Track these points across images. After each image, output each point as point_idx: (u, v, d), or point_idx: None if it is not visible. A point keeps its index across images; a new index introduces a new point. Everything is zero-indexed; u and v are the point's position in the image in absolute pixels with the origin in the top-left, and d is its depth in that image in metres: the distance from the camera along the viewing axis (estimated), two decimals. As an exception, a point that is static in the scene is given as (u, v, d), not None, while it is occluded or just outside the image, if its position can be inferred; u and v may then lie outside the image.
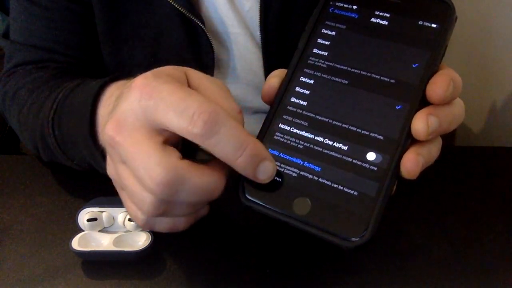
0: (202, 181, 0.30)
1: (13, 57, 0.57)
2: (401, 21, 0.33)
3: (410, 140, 0.31)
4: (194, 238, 0.43)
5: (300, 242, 0.43)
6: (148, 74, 0.30)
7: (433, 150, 0.31)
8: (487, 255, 0.43)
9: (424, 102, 0.31)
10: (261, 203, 0.31)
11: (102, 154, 0.41)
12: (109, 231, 0.42)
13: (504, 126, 0.94)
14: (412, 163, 0.30)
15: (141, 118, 0.29)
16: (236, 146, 0.28)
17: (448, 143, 0.32)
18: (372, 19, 0.34)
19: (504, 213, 0.47)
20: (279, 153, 0.32)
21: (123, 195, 0.34)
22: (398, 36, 0.33)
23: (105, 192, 0.48)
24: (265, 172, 0.30)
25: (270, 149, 0.33)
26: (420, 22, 0.33)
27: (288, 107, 0.33)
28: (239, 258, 0.42)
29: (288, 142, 0.32)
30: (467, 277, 0.41)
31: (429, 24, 0.33)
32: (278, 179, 0.32)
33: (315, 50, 0.34)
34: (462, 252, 0.43)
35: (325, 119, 0.32)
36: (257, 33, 0.56)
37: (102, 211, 0.42)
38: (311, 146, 0.32)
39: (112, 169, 0.34)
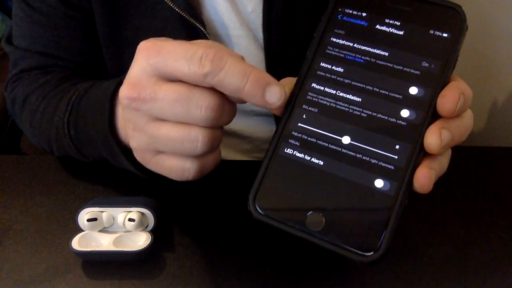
0: (233, 104, 0.32)
1: (18, 63, 0.59)
2: (412, 30, 0.33)
3: (422, 153, 0.31)
4: (194, 238, 0.43)
5: (299, 243, 0.43)
6: (150, 38, 0.32)
7: (444, 162, 0.31)
8: (487, 255, 0.43)
9: (435, 114, 0.31)
10: (273, 217, 0.31)
11: (121, 150, 0.42)
12: (109, 231, 0.42)
13: (504, 126, 0.94)
14: (425, 178, 0.30)
15: (154, 74, 0.31)
16: (241, 75, 0.30)
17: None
18: (382, 27, 0.33)
19: (504, 213, 0.47)
20: (289, 166, 0.32)
21: (161, 160, 0.34)
22: (409, 45, 0.32)
23: (105, 192, 0.48)
24: (273, 94, 0.31)
25: (280, 163, 0.32)
26: (431, 31, 0.32)
27: (299, 120, 0.33)
28: (239, 258, 0.42)
29: (300, 155, 0.32)
30: (467, 277, 0.41)
31: (440, 34, 0.32)
32: (290, 193, 0.31)
33: (324, 59, 0.34)
34: (462, 252, 0.43)
35: (335, 132, 0.32)
36: (260, 35, 0.56)
37: (102, 211, 0.42)
38: (322, 160, 0.32)
39: (139, 139, 0.34)
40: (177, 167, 0.33)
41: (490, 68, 0.97)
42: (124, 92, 0.32)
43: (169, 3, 0.52)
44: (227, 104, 0.32)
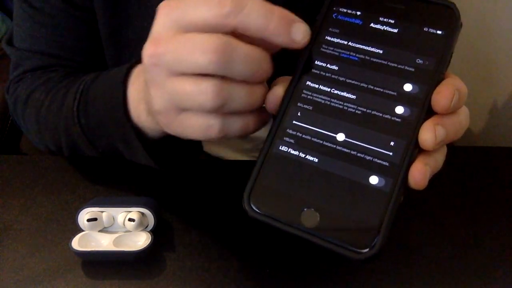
0: (249, 48, 0.31)
1: (20, 64, 0.59)
2: (406, 28, 0.33)
3: (417, 150, 0.31)
4: (194, 238, 0.43)
5: (299, 242, 0.43)
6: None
7: (439, 159, 0.31)
8: (487, 255, 0.43)
9: (430, 111, 0.31)
10: (267, 214, 0.31)
11: (135, 133, 0.42)
12: (109, 231, 0.42)
13: (504, 126, 0.94)
14: (420, 174, 0.30)
15: (173, 27, 0.31)
16: (265, 13, 0.30)
17: (449, 144, 0.32)
18: (377, 25, 0.34)
19: (504, 213, 0.47)
20: (284, 164, 0.32)
21: (184, 118, 0.33)
22: (403, 43, 0.33)
23: (105, 192, 0.48)
24: (299, 31, 0.31)
25: (274, 161, 0.32)
26: (425, 29, 0.33)
27: (293, 118, 0.33)
28: (239, 258, 0.42)
29: (295, 152, 0.32)
30: (467, 277, 0.41)
31: (434, 31, 0.32)
32: (284, 190, 0.31)
33: (319, 57, 0.34)
34: (462, 252, 0.43)
35: (330, 130, 0.32)
36: None
37: (102, 211, 0.42)
38: (317, 157, 0.32)
39: (161, 97, 0.33)
40: (199, 124, 0.33)
41: (490, 68, 0.97)
42: (146, 50, 0.32)
43: None
44: (241, 48, 0.30)
